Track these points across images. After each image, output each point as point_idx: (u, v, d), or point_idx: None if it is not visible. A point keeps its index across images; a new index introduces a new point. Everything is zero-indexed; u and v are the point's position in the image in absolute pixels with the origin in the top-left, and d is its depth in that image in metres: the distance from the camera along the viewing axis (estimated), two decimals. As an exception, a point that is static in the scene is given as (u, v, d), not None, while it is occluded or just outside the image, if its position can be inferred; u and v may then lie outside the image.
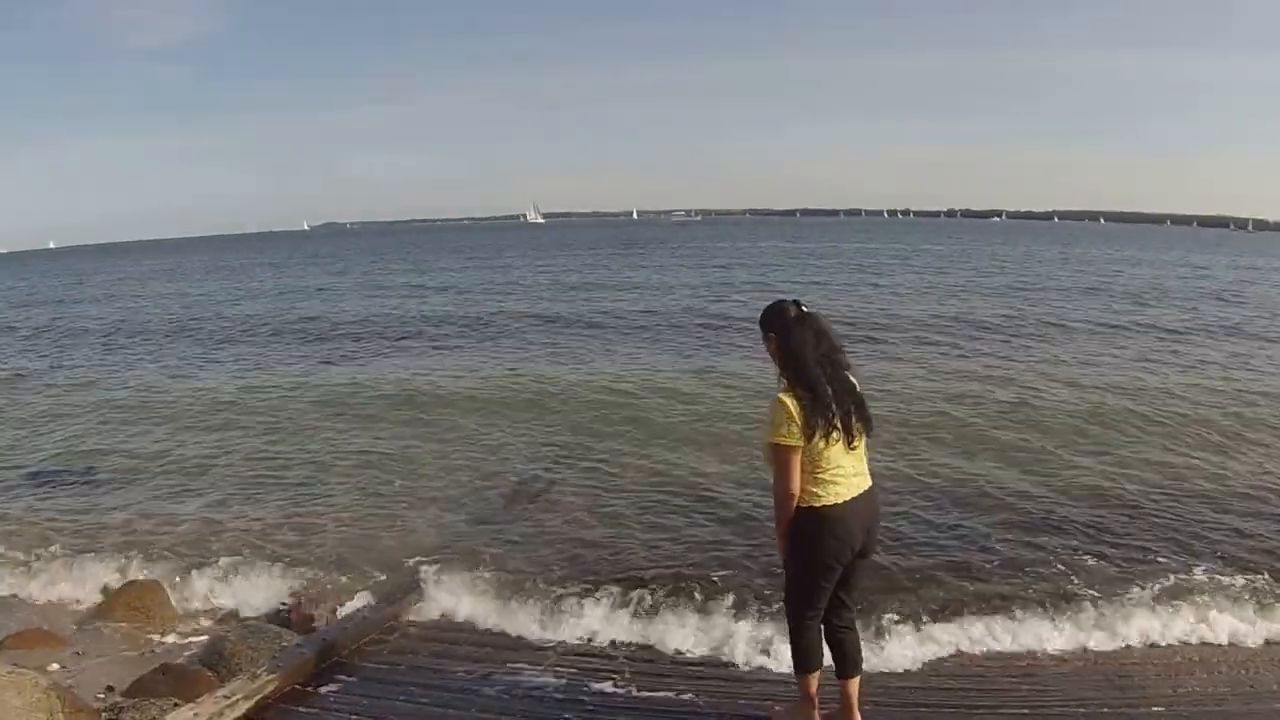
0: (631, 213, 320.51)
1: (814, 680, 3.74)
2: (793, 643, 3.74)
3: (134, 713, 4.33)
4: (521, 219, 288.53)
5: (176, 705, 4.29)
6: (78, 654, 5.26)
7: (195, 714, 4.09)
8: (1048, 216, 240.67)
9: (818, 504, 3.47)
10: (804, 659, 3.72)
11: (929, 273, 33.40)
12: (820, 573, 3.55)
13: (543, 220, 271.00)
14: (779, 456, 3.44)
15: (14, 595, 6.23)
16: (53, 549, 6.88)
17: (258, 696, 4.35)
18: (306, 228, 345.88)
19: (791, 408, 3.40)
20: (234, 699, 4.25)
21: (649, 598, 5.55)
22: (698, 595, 5.59)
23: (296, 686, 4.60)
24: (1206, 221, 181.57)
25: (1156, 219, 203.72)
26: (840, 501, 3.48)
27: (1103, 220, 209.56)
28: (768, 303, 3.70)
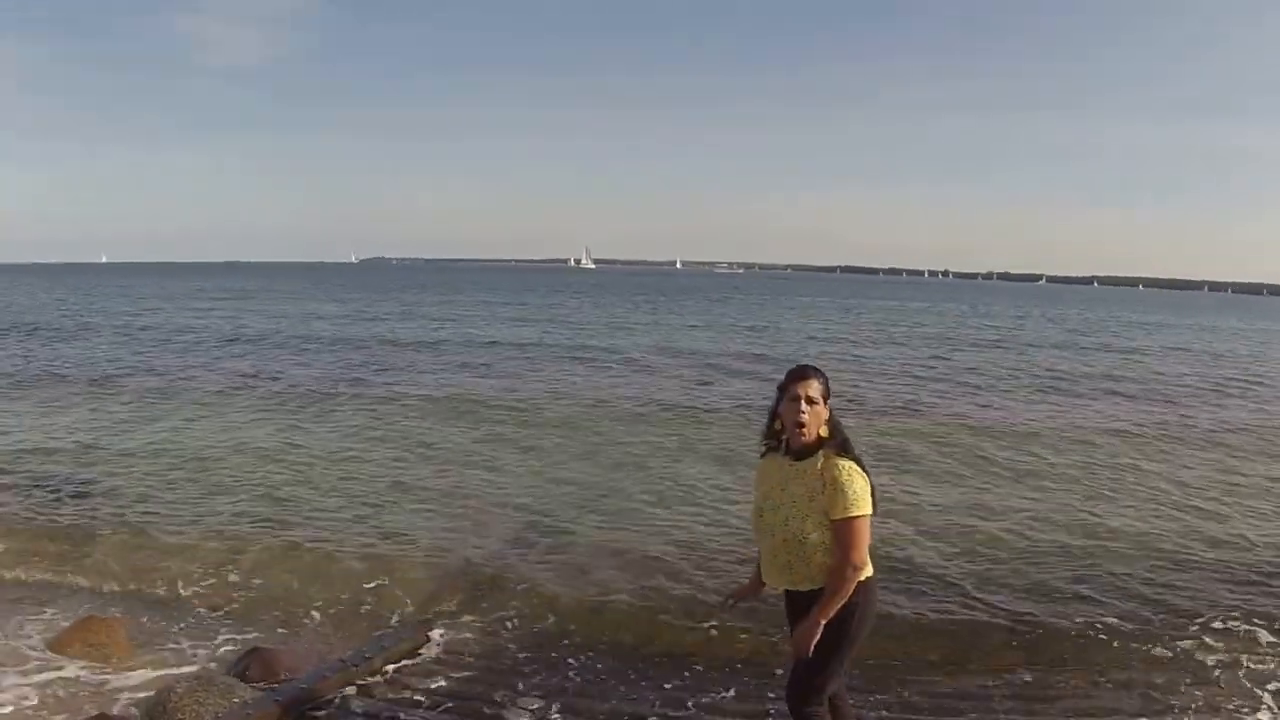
0: (675, 262, 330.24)
1: None
2: None
3: (59, 766, 4.08)
4: (572, 263, 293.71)
5: (104, 762, 4.04)
6: (21, 689, 5.01)
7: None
8: (1087, 281, 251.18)
9: (867, 576, 3.38)
10: None
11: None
12: (855, 649, 3.46)
13: (593, 266, 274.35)
14: (861, 529, 3.30)
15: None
16: (24, 572, 6.77)
17: (188, 761, 4.05)
18: (355, 260, 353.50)
19: (867, 477, 3.34)
20: (161, 762, 3.96)
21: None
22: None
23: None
24: (1241, 289, 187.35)
25: (1194, 285, 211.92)
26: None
27: (1141, 286, 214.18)
28: (806, 364, 3.55)
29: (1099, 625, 5.99)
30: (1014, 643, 5.80)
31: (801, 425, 3.36)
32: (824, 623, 3.30)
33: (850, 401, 14.34)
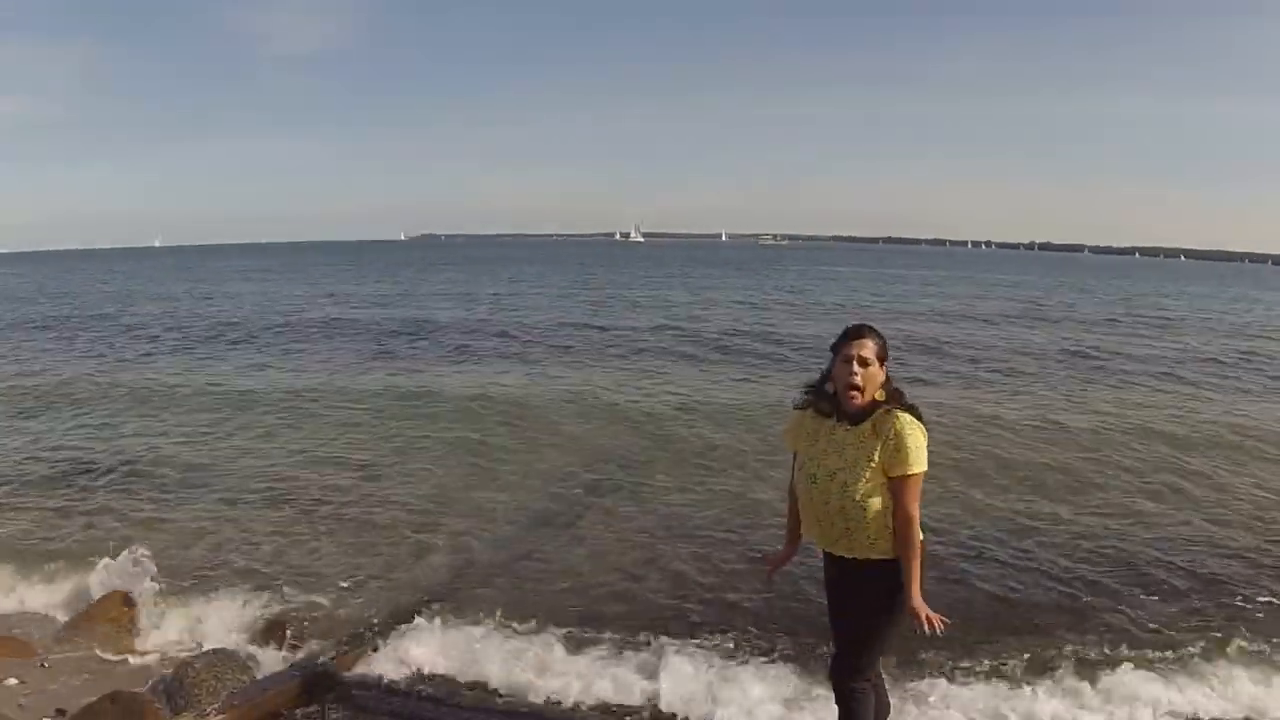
0: (720, 235, 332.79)
1: None
2: (860, 703, 3.37)
3: (69, 745, 4.05)
4: (619, 236, 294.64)
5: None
6: (44, 667, 5.03)
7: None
8: (1129, 252, 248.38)
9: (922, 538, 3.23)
10: (870, 718, 3.41)
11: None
12: (903, 623, 3.28)
13: (642, 240, 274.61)
14: (919, 486, 3.16)
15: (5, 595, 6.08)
16: (58, 546, 6.85)
17: (197, 739, 4.00)
18: (404, 237, 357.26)
19: (925, 430, 3.18)
20: (171, 740, 3.91)
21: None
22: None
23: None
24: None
25: (1235, 256, 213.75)
26: None
27: (1183, 257, 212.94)
28: (862, 323, 3.34)
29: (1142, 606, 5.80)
30: (1056, 623, 5.58)
31: (854, 388, 3.16)
32: (914, 585, 3.16)
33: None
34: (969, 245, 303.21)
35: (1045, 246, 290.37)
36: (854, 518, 3.16)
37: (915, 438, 3.11)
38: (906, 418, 3.14)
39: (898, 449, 3.10)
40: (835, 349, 3.24)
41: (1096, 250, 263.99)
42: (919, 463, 3.11)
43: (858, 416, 3.19)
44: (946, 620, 3.15)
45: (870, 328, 3.26)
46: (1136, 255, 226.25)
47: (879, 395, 3.18)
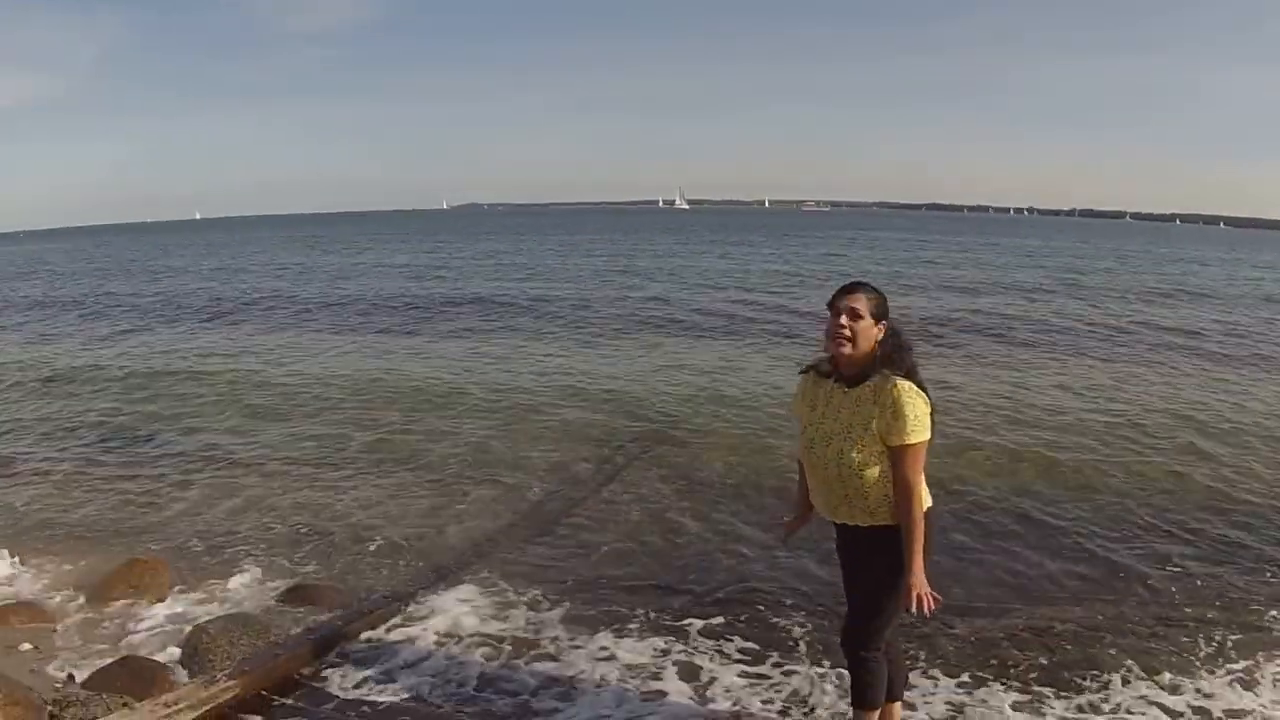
0: (764, 201, 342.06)
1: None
2: (872, 672, 3.33)
3: (78, 709, 3.94)
4: (661, 203, 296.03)
5: (126, 705, 3.90)
6: (58, 632, 4.98)
7: (130, 723, 3.65)
8: (1169, 218, 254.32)
9: (927, 508, 3.14)
10: (882, 688, 3.39)
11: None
12: None
13: (687, 206, 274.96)
14: (921, 455, 3.08)
15: (25, 562, 6.02)
16: (80, 513, 6.80)
17: (206, 706, 3.86)
18: (445, 206, 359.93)
19: (928, 399, 3.09)
20: (177, 707, 3.78)
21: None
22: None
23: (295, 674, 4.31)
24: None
25: (1275, 224, 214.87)
26: None
27: (1222, 225, 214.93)
28: (859, 280, 3.27)
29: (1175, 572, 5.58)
30: (1080, 588, 5.38)
31: (842, 340, 3.10)
32: (914, 561, 3.05)
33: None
34: (1011, 211, 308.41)
35: (1086, 213, 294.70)
36: (852, 485, 3.12)
37: (914, 405, 3.03)
38: (905, 384, 3.05)
39: (895, 416, 3.02)
40: (829, 305, 3.18)
41: (1138, 216, 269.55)
42: (918, 432, 3.02)
43: (855, 379, 3.14)
44: (939, 598, 3.06)
45: (865, 283, 3.21)
46: (1177, 221, 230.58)
47: (874, 350, 3.11)
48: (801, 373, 3.38)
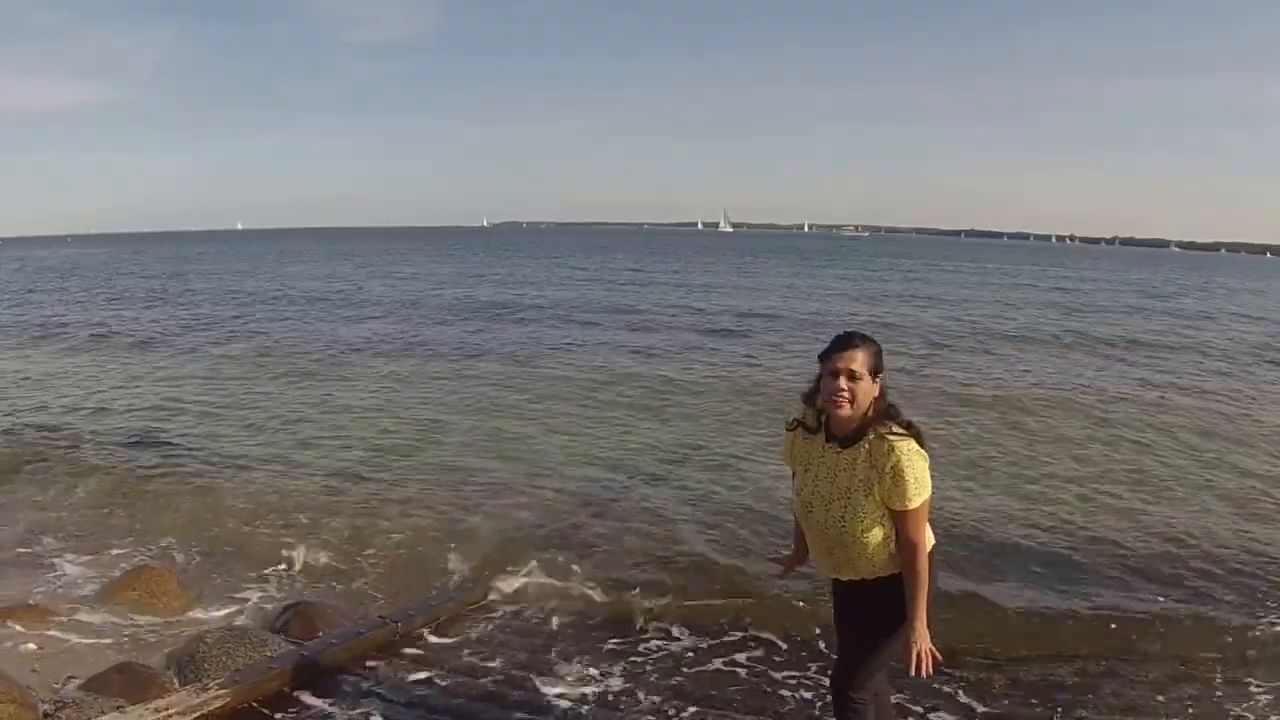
0: (804, 226, 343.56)
1: None
2: (860, 715, 3.22)
3: (72, 711, 4.08)
4: (701, 225, 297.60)
5: (119, 709, 4.02)
6: (62, 635, 5.11)
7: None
8: (1215, 248, 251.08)
9: (931, 544, 3.11)
10: None
11: None
12: None
13: (730, 229, 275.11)
14: (925, 513, 2.99)
15: (40, 562, 6.22)
16: (95, 515, 7.03)
17: (196, 713, 3.99)
18: (486, 224, 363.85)
19: (925, 454, 2.98)
20: (168, 712, 3.91)
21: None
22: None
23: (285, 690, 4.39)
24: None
25: None
26: None
27: (1268, 255, 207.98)
28: (853, 332, 3.08)
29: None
30: (1089, 629, 5.33)
31: (840, 405, 2.94)
32: (917, 619, 2.96)
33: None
34: (1053, 239, 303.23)
35: (1128, 241, 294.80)
36: (856, 550, 3.04)
37: (914, 467, 2.91)
38: (904, 446, 2.92)
39: (896, 482, 2.91)
40: (823, 359, 3.01)
41: (1183, 245, 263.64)
42: (920, 495, 2.92)
43: (849, 439, 3.01)
44: (939, 657, 2.98)
45: (862, 336, 3.03)
46: (1222, 251, 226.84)
47: (870, 412, 2.98)
48: (788, 429, 3.22)
